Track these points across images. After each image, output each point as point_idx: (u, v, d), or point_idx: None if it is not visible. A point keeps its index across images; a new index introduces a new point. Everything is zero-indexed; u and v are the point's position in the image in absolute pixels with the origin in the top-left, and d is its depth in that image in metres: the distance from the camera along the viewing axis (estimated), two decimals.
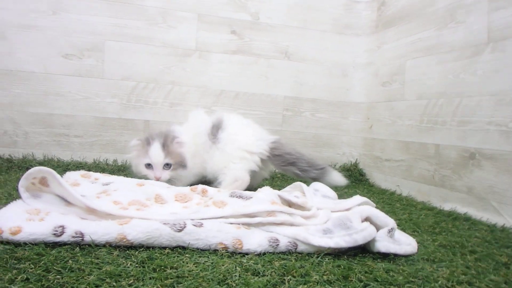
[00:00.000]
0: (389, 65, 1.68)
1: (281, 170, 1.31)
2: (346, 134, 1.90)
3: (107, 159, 1.60)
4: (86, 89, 1.58)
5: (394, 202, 1.36)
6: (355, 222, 0.82)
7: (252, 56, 1.76)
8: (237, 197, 0.95)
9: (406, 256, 0.78)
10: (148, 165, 1.21)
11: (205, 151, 1.29)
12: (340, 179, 1.32)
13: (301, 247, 0.78)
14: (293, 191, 1.15)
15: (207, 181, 1.34)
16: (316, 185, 1.21)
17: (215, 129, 1.30)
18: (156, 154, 1.19)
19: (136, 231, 0.74)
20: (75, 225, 0.74)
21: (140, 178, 1.19)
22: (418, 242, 0.86)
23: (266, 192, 1.00)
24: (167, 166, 1.22)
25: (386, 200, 1.38)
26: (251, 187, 1.27)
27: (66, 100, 1.56)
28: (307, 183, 1.18)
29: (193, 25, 1.68)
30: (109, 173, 1.45)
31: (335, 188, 1.27)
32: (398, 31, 1.63)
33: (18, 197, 0.85)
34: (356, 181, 1.77)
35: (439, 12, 1.40)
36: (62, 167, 1.45)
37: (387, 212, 1.15)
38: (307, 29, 1.82)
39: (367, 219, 0.85)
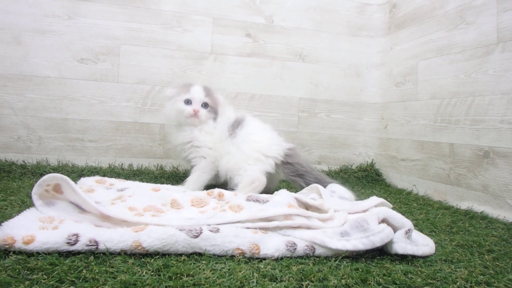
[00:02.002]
0: (402, 66, 1.68)
1: (289, 179, 1.29)
2: (362, 135, 1.86)
3: (122, 164, 1.59)
4: (101, 93, 1.57)
5: (411, 202, 1.36)
6: (372, 224, 0.81)
7: (267, 58, 1.73)
8: (253, 200, 0.93)
9: (424, 257, 0.78)
10: (187, 102, 1.30)
11: (221, 141, 1.30)
12: (347, 194, 1.27)
13: (318, 251, 0.77)
14: (310, 193, 1.14)
15: (220, 184, 1.31)
16: (332, 186, 1.20)
17: (236, 124, 1.30)
18: (198, 91, 1.31)
19: (151, 237, 0.72)
20: (90, 233, 0.72)
21: (177, 122, 1.33)
22: (435, 242, 0.86)
23: (283, 195, 0.96)
24: (205, 105, 1.31)
25: (403, 200, 1.38)
26: (268, 190, 1.26)
27: (81, 105, 1.55)
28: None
29: (208, 28, 1.66)
30: (125, 178, 1.44)
31: (352, 188, 1.28)
32: (410, 33, 1.63)
33: (32, 204, 0.83)
34: (372, 181, 1.77)
35: (449, 14, 1.42)
36: (77, 173, 1.44)
37: (404, 213, 1.17)
38: (321, 31, 1.79)
39: (384, 220, 0.84)
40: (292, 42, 1.76)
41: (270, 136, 1.31)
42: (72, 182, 0.83)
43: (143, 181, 1.42)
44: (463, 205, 1.29)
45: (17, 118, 1.50)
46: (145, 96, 1.62)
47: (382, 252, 0.78)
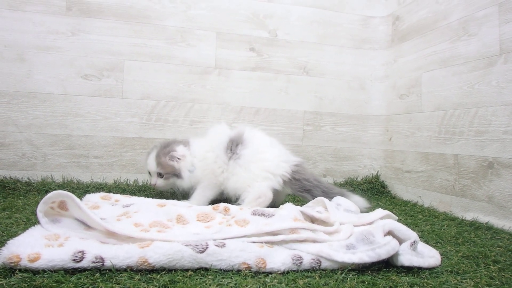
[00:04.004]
0: (406, 78, 1.68)
1: (296, 194, 1.28)
2: (367, 147, 1.85)
3: (127, 180, 1.58)
4: (105, 109, 1.57)
5: (416, 213, 1.36)
6: (378, 237, 0.82)
7: (271, 72, 1.74)
8: (259, 215, 0.92)
9: (430, 269, 0.78)
10: (149, 172, 1.33)
11: (220, 166, 1.28)
12: (360, 202, 1.26)
13: (324, 264, 0.77)
14: (315, 206, 1.13)
15: (225, 198, 1.30)
16: (338, 199, 1.19)
17: (234, 144, 1.28)
18: (150, 163, 1.31)
19: (157, 253, 0.72)
20: (95, 249, 0.71)
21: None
22: (441, 254, 0.86)
23: (289, 208, 0.95)
24: (160, 174, 1.30)
25: (409, 212, 1.38)
26: (274, 204, 1.25)
27: (86, 121, 1.55)
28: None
29: (212, 43, 1.67)
30: (130, 194, 1.43)
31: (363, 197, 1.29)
32: (413, 45, 1.64)
33: (37, 222, 0.82)
34: (378, 193, 1.76)
35: (452, 26, 1.43)
36: (82, 189, 1.43)
37: (409, 224, 1.18)
38: (324, 45, 1.80)
39: (389, 232, 0.84)
40: (296, 55, 1.76)
41: (278, 153, 1.29)
42: (77, 199, 0.82)
43: (148, 197, 1.40)
44: (468, 216, 1.29)
45: (22, 135, 1.50)
46: (149, 112, 1.62)
47: (388, 264, 0.78)
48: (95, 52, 1.56)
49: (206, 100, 1.67)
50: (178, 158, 1.28)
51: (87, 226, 0.84)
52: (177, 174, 1.28)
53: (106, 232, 0.81)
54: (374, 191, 1.75)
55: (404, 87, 1.69)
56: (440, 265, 0.80)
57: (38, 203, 0.83)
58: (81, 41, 1.55)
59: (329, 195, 1.24)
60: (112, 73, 1.58)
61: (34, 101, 1.51)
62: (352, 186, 1.76)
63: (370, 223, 1.00)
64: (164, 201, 1.13)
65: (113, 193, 1.42)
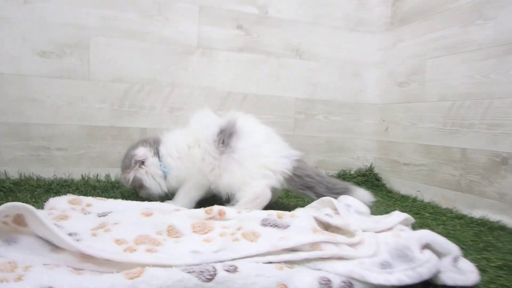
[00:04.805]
0: (407, 64, 1.57)
1: (297, 192, 1.14)
2: (360, 137, 1.74)
3: (97, 174, 1.36)
4: (69, 93, 1.34)
5: (421, 210, 1.28)
6: (416, 252, 0.70)
7: (261, 54, 1.56)
8: (270, 225, 0.77)
9: (472, 286, 0.68)
10: None
11: (210, 163, 1.09)
12: (366, 197, 1.14)
13: (357, 287, 0.64)
14: (321, 207, 1.01)
15: (214, 197, 1.14)
16: (346, 199, 1.07)
17: (227, 135, 1.10)
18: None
19: (153, 286, 0.55)
20: (69, 285, 0.52)
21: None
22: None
23: (303, 216, 0.80)
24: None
25: (413, 209, 1.29)
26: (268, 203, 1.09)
27: (45, 107, 1.31)
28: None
29: (194, 18, 1.46)
30: (101, 191, 1.23)
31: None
32: (416, 28, 1.52)
33: None
34: (373, 186, 1.67)
35: (464, 8, 1.31)
36: (44, 187, 1.21)
37: (420, 224, 1.09)
38: (319, 25, 1.64)
39: (427, 246, 0.73)
40: (288, 36, 1.59)
41: (277, 147, 1.13)
42: (38, 213, 0.63)
43: (124, 195, 1.21)
44: (476, 214, 1.22)
45: None
46: (122, 97, 1.40)
47: (425, 283, 0.67)
48: (55, 24, 1.31)
49: (188, 84, 1.47)
50: (142, 162, 1.10)
51: (53, 246, 0.65)
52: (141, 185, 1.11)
53: (80, 254, 0.63)
54: (369, 184, 1.65)
55: (403, 74, 1.58)
56: (480, 280, 0.69)
57: None
58: (37, 11, 1.28)
59: (334, 191, 1.11)
60: (75, 50, 1.34)
61: None
62: (345, 179, 1.65)
63: (389, 229, 0.90)
64: (147, 205, 0.95)
65: (81, 190, 1.22)
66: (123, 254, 0.63)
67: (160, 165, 1.12)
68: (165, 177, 1.13)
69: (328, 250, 0.68)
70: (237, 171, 1.07)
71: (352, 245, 0.75)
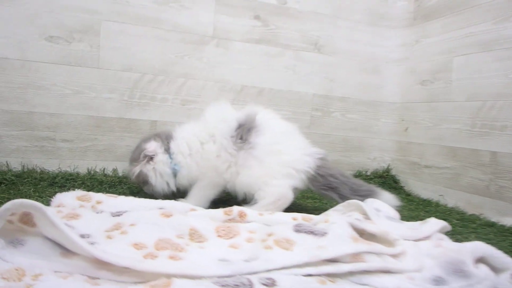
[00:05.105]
0: (431, 62, 1.49)
1: (319, 192, 1.07)
2: (377, 137, 1.67)
3: (104, 169, 1.29)
4: (77, 82, 1.26)
5: (446, 216, 1.20)
6: (470, 266, 0.63)
7: (278, 46, 1.48)
8: (306, 232, 0.69)
9: None
10: None
11: (226, 161, 1.02)
12: (392, 201, 1.07)
13: None
14: (347, 211, 0.94)
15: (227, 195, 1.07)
16: (374, 203, 1.01)
17: (245, 131, 1.02)
18: None
19: None
20: None
21: None
22: None
23: (339, 222, 0.73)
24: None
25: (437, 214, 1.22)
26: None
27: (51, 95, 1.24)
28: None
29: (210, 6, 1.38)
30: (109, 186, 1.16)
31: None
32: (443, 24, 1.44)
33: None
34: (390, 189, 1.58)
35: (499, 2, 1.24)
36: (48, 180, 1.13)
37: (450, 232, 0.98)
38: (339, 18, 1.56)
39: (481, 259, 0.66)
40: (307, 28, 1.52)
41: (299, 144, 1.06)
42: (49, 212, 0.56)
43: (133, 191, 1.14)
44: (506, 222, 1.14)
45: None
46: (132, 87, 1.32)
47: None
48: (64, 8, 1.23)
49: (202, 76, 1.39)
50: (151, 158, 1.04)
51: (64, 249, 0.58)
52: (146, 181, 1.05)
53: (94, 260, 0.56)
54: (386, 187, 1.57)
55: (427, 72, 1.50)
56: None
57: None
58: None
59: (358, 193, 1.05)
60: (85, 36, 1.26)
61: None
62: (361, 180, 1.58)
63: (426, 237, 0.83)
64: (162, 203, 0.87)
65: (88, 185, 1.15)
66: (144, 262, 0.56)
67: (171, 162, 1.05)
68: (175, 175, 1.06)
69: (374, 262, 0.62)
70: (257, 169, 1.00)
71: (394, 256, 0.68)
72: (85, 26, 1.25)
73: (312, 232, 0.67)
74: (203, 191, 1.05)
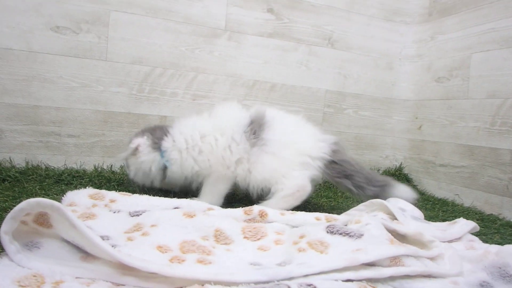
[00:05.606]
0: (447, 58, 1.46)
1: (333, 181, 1.04)
2: (390, 135, 1.64)
3: (112, 166, 1.24)
4: (84, 74, 1.20)
5: (465, 216, 1.14)
6: None
7: (291, 40, 1.43)
8: (340, 234, 0.65)
9: None
10: None
11: (234, 153, 0.98)
12: (408, 194, 1.04)
13: None
14: (369, 210, 0.91)
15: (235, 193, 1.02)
16: (398, 202, 0.97)
17: (258, 126, 0.99)
18: None
19: None
20: None
21: None
22: None
23: (374, 223, 0.69)
24: None
25: (455, 214, 1.19)
26: None
27: (57, 88, 1.18)
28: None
29: None
30: (117, 184, 1.11)
31: None
32: (460, 20, 1.41)
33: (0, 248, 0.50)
34: None
35: None
36: (53, 177, 1.08)
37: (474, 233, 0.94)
38: (353, 12, 1.52)
39: None
40: (321, 23, 1.47)
41: (311, 132, 1.04)
42: (69, 212, 0.51)
43: (144, 190, 1.09)
44: None
45: None
46: (142, 80, 1.27)
47: None
48: None
49: (213, 70, 1.35)
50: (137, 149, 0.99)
51: (83, 252, 0.53)
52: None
53: (117, 264, 0.51)
54: None
55: (444, 69, 1.46)
56: None
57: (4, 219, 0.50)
58: None
59: (373, 184, 1.02)
60: (93, 27, 1.20)
61: None
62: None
63: (458, 239, 0.80)
64: (178, 202, 0.83)
65: (95, 182, 1.10)
66: (172, 267, 0.52)
67: (162, 158, 1.00)
68: (164, 171, 1.01)
69: (415, 267, 0.58)
70: (272, 163, 0.97)
71: (431, 258, 0.64)
72: (93, 16, 1.20)
73: (347, 234, 0.63)
74: (213, 187, 1.00)
